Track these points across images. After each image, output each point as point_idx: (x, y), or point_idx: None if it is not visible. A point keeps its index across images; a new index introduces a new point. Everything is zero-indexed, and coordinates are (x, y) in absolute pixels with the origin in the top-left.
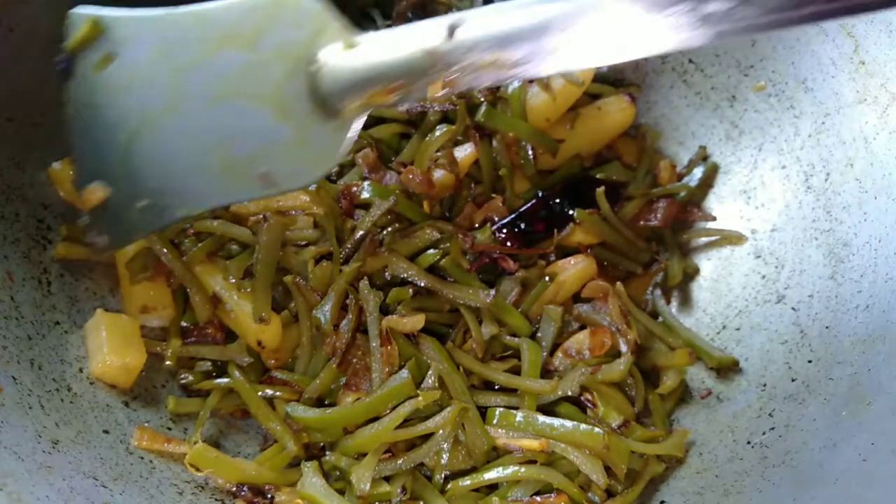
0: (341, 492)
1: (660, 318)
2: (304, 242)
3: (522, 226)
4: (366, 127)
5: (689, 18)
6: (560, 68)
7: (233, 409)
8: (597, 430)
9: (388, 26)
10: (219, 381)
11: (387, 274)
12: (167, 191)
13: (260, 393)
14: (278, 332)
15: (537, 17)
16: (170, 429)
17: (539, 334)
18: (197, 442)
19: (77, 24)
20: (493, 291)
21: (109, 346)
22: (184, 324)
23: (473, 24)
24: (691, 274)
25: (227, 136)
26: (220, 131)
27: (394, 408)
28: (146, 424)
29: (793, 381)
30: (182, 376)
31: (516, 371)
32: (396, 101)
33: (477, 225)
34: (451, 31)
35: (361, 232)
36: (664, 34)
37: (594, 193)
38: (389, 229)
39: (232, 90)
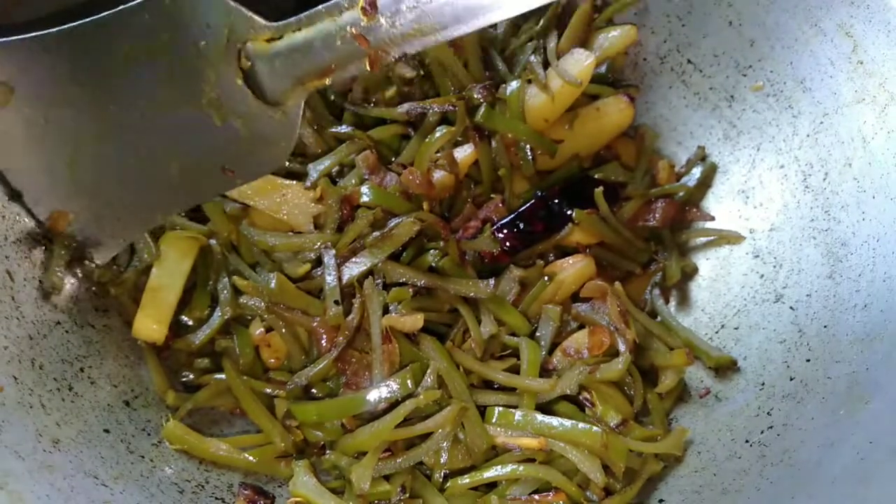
0: (340, 490)
1: (658, 318)
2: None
3: (522, 226)
4: (366, 128)
5: None
6: (481, 25)
7: (232, 407)
8: (595, 428)
9: None
10: (216, 376)
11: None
12: (130, 205)
13: (267, 390)
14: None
15: None
16: None
17: (538, 333)
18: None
19: None
20: (492, 281)
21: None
22: (184, 318)
23: None
24: (690, 273)
25: (174, 144)
26: (165, 140)
27: (393, 406)
28: (147, 423)
29: (791, 380)
30: (183, 374)
31: (515, 370)
32: (333, 81)
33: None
34: (370, 6)
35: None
36: None
37: (593, 194)
38: (377, 234)
39: (163, 101)
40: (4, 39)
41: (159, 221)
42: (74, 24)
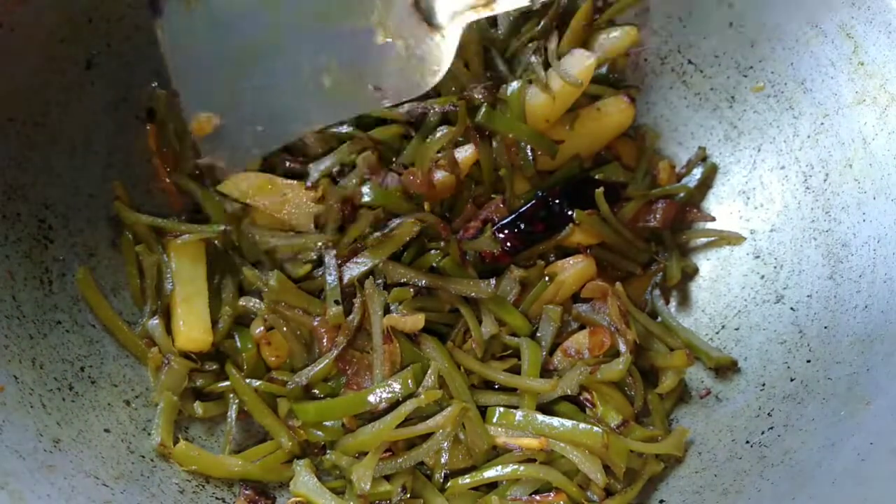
0: (341, 490)
1: (659, 319)
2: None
3: (522, 226)
4: (367, 128)
5: None
6: None
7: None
8: (596, 429)
9: None
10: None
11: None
12: (278, 116)
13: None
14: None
15: None
16: None
17: (539, 334)
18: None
19: None
20: (492, 282)
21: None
22: None
23: None
24: (690, 274)
25: (334, 58)
26: (327, 54)
27: (394, 406)
28: (147, 422)
29: (791, 380)
30: (192, 382)
31: (516, 370)
32: (496, 10)
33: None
34: None
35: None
36: None
37: (593, 194)
38: (378, 234)
39: (336, 15)
40: None
41: (298, 134)
42: None
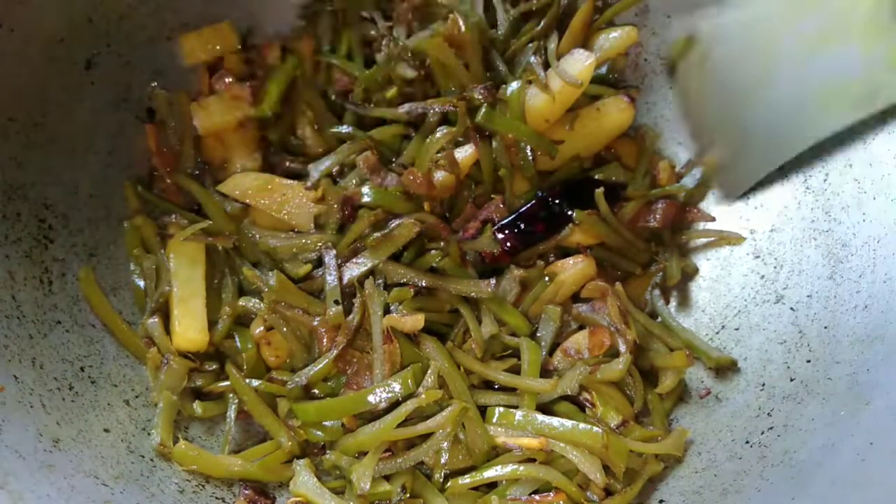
0: (341, 490)
1: (659, 319)
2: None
3: (522, 226)
4: (366, 128)
5: None
6: None
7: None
8: (596, 429)
9: (389, 28)
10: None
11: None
12: (772, 140)
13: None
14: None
15: None
16: None
17: (538, 334)
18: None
19: (675, 40)
20: (492, 281)
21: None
22: None
23: None
24: (690, 274)
25: (820, 82)
26: (813, 80)
27: (394, 406)
28: (147, 422)
29: (791, 380)
30: (192, 381)
31: (516, 370)
32: None
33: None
34: None
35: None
36: None
37: (593, 194)
38: (378, 234)
39: (817, 45)
40: (718, 20)
41: (790, 155)
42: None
